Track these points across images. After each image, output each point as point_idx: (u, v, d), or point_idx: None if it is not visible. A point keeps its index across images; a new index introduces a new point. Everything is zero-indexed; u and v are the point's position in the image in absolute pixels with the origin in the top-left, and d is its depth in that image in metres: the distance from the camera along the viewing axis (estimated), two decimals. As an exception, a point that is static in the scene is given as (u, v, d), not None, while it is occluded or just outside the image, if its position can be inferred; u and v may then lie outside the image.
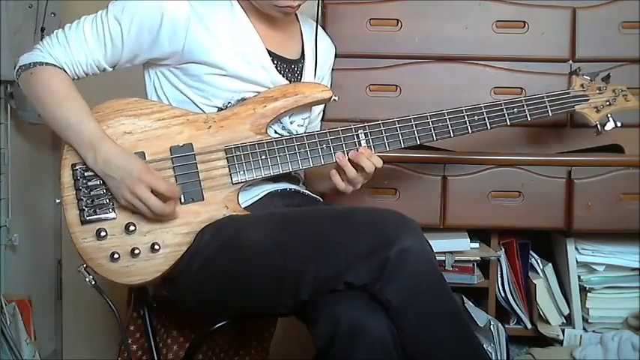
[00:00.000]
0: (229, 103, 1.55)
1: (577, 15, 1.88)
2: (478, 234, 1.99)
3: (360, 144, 1.54)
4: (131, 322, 1.67)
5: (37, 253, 2.33)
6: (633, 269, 1.96)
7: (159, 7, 1.48)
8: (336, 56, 1.81)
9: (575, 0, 1.88)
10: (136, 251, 1.44)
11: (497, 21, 1.88)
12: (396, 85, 1.90)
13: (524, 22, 1.88)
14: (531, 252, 2.00)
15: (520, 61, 1.89)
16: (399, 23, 1.89)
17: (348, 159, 1.52)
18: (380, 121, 1.56)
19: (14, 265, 2.16)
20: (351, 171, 1.52)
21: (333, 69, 1.81)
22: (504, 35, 1.89)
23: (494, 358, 1.86)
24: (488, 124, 1.61)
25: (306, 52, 1.66)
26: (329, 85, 1.77)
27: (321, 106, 1.74)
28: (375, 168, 1.53)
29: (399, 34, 1.89)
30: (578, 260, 1.96)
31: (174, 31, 1.49)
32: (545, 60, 1.89)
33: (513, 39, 1.88)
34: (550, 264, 2.00)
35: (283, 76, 1.60)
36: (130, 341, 1.65)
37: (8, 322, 1.98)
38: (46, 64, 1.50)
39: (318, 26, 1.70)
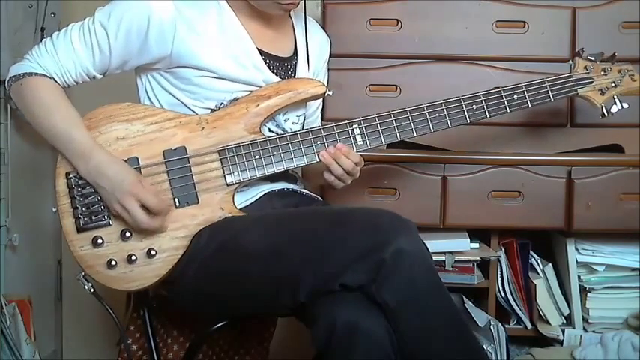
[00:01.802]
0: (222, 103, 1.53)
1: (577, 15, 1.87)
2: (478, 234, 1.99)
3: (355, 139, 1.53)
4: (131, 322, 1.67)
5: (37, 253, 2.33)
6: (633, 269, 1.96)
7: (145, 9, 1.46)
8: (331, 51, 1.79)
9: (575, 0, 1.88)
10: (133, 257, 1.43)
11: (497, 21, 1.88)
12: (396, 85, 1.90)
13: (524, 22, 1.88)
14: (531, 252, 2.00)
15: (520, 61, 1.89)
16: (399, 23, 1.89)
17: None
18: (375, 115, 1.55)
19: (14, 265, 2.16)
20: (337, 169, 1.51)
21: (329, 68, 1.80)
22: (504, 35, 1.88)
23: (494, 358, 1.86)
24: (487, 112, 1.58)
25: (298, 49, 1.65)
26: (325, 80, 1.76)
27: (318, 102, 1.73)
28: (356, 164, 1.52)
29: (399, 34, 1.89)
30: (578, 260, 1.96)
31: (162, 34, 1.47)
32: (545, 60, 1.88)
33: (513, 39, 1.88)
34: (550, 264, 2.00)
35: (276, 75, 1.58)
36: (130, 341, 1.65)
37: (8, 322, 1.98)
38: (36, 74, 1.49)
39: (309, 20, 1.68)
